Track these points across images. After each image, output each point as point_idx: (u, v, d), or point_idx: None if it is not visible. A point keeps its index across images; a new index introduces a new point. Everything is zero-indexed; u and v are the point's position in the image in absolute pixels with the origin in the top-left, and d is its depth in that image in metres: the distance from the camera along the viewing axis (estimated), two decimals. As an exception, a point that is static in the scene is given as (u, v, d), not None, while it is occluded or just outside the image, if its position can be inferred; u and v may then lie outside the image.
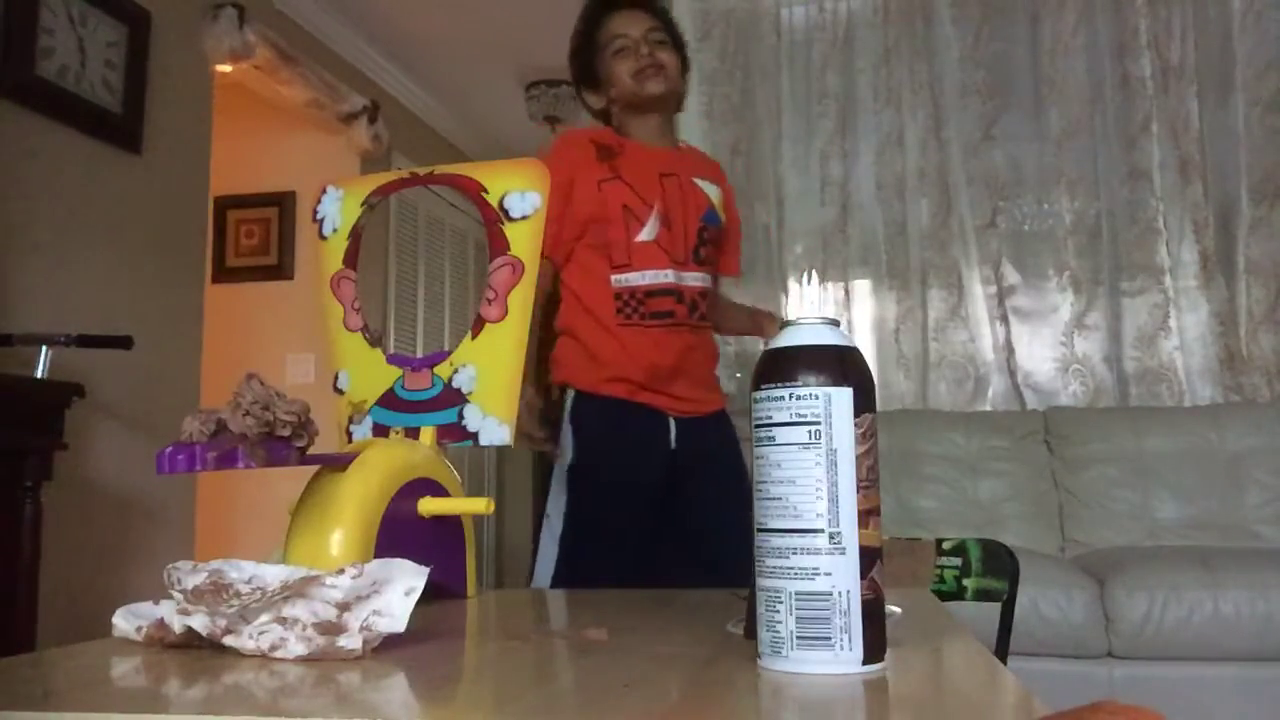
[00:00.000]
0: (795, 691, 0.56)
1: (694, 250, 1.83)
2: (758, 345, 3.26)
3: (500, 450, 5.62)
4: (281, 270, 4.29)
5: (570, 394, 1.83)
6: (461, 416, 0.99)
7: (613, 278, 1.79)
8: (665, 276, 1.79)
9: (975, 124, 3.30)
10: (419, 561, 0.69)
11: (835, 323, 0.63)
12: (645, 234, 1.79)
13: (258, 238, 4.33)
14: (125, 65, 2.89)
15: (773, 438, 0.61)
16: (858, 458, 0.60)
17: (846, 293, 3.36)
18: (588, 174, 1.79)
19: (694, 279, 1.82)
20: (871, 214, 3.36)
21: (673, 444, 1.82)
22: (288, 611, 0.64)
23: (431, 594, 0.70)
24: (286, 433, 0.78)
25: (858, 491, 0.59)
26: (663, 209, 1.80)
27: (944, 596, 1.40)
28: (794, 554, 0.59)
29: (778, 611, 0.59)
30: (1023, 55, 3.32)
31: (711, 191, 1.90)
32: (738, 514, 1.74)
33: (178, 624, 0.66)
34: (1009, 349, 3.22)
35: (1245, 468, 2.72)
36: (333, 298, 1.10)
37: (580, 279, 1.82)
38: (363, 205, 1.11)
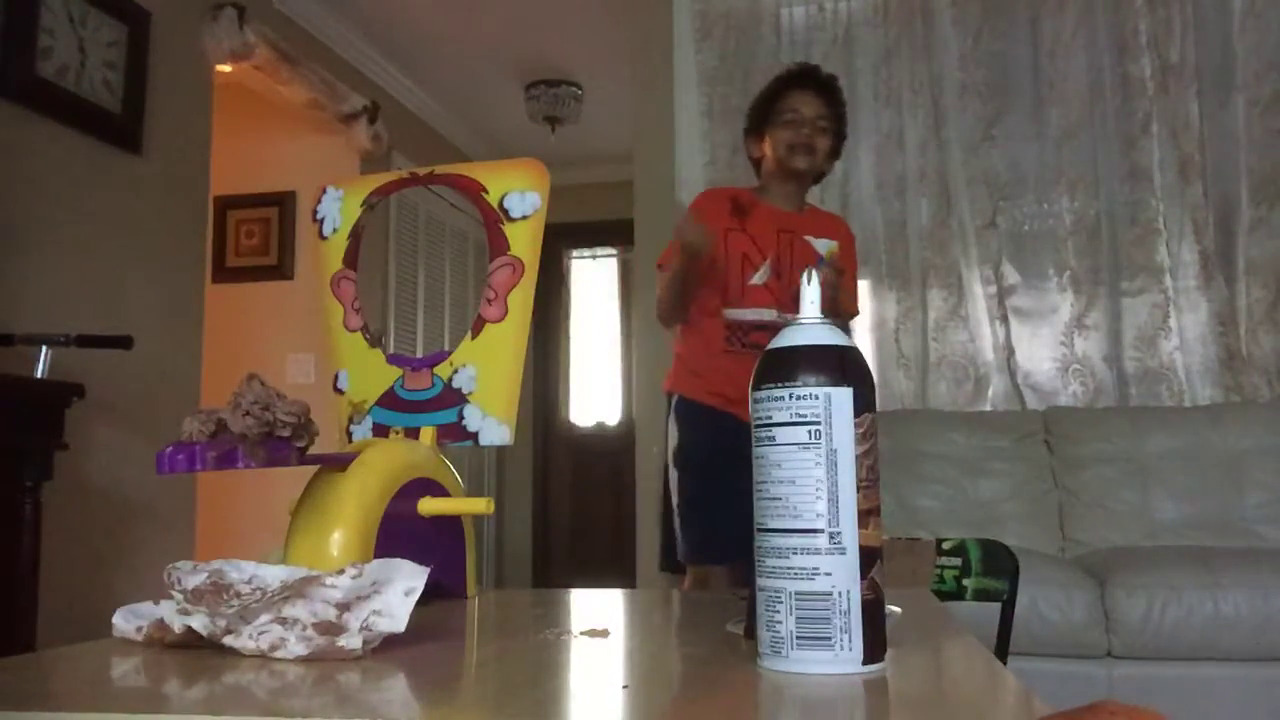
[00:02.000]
0: (795, 691, 0.56)
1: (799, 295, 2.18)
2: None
3: (500, 450, 5.63)
4: (281, 270, 4.29)
5: (675, 398, 2.22)
6: (461, 416, 0.99)
7: (725, 311, 2.15)
8: (768, 315, 2.14)
9: (975, 124, 3.30)
10: (419, 561, 0.69)
11: (835, 322, 0.63)
12: (757, 278, 2.15)
13: (258, 238, 4.33)
14: (125, 65, 2.89)
15: (773, 438, 0.61)
16: (858, 458, 0.60)
17: (846, 293, 3.36)
18: (718, 223, 2.14)
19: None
20: (871, 214, 3.36)
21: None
22: (288, 611, 0.64)
23: (431, 594, 0.70)
24: (286, 433, 0.78)
25: (858, 491, 0.59)
26: (775, 260, 2.16)
27: (944, 596, 1.40)
28: (794, 554, 0.59)
29: (778, 611, 0.59)
30: (1023, 55, 3.32)
31: (823, 246, 2.22)
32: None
33: (178, 624, 0.66)
34: (1009, 349, 3.22)
35: (1245, 468, 2.72)
36: (333, 298, 1.10)
37: (700, 315, 2.18)
38: (363, 205, 1.11)
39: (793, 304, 2.04)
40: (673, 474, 2.21)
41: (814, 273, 0.65)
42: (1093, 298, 3.21)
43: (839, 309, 2.21)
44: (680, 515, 2.16)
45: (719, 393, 2.13)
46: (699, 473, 2.16)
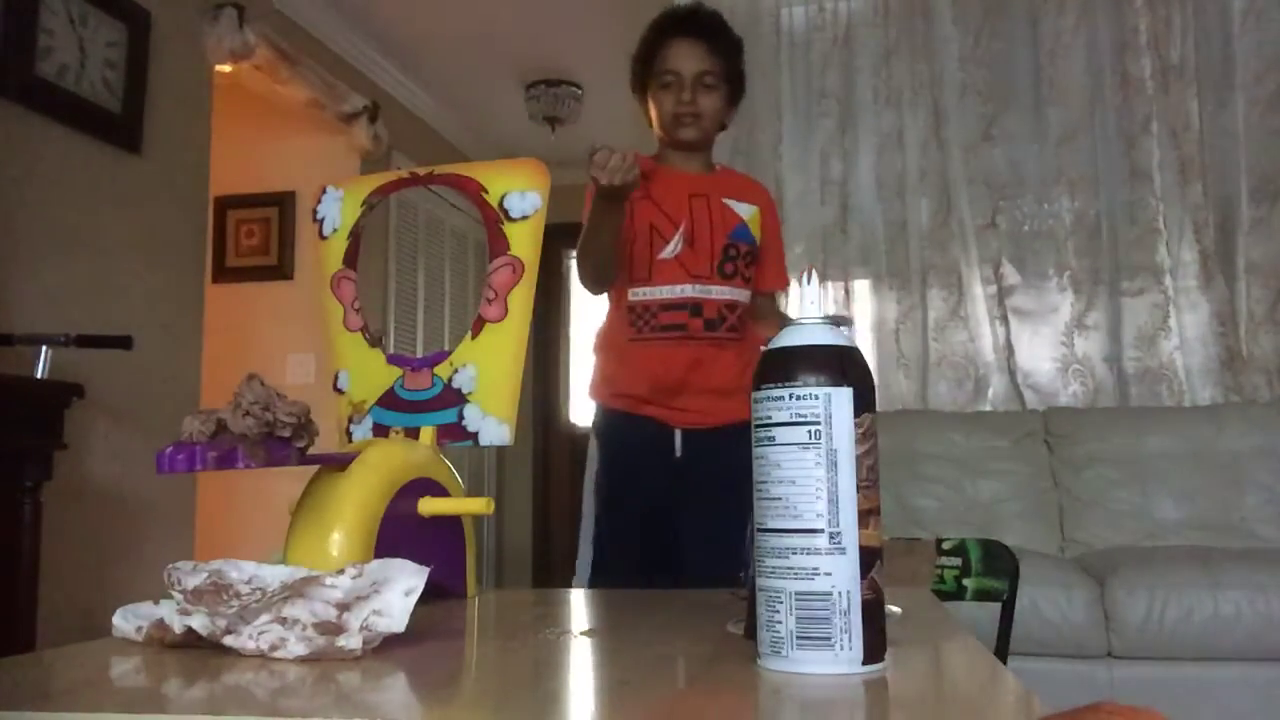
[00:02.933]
0: (795, 691, 0.56)
1: (718, 265, 1.86)
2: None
3: (500, 450, 5.63)
4: (281, 270, 4.29)
5: (595, 407, 1.97)
6: (461, 416, 0.99)
7: (630, 291, 1.86)
8: (684, 291, 1.84)
9: (975, 124, 3.30)
10: (419, 561, 0.69)
11: (837, 322, 0.63)
12: (667, 251, 1.86)
13: (258, 238, 4.33)
14: (125, 65, 2.89)
15: (773, 438, 0.61)
16: (858, 458, 0.60)
17: (846, 293, 3.36)
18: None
19: (718, 292, 1.85)
20: (871, 214, 3.37)
21: (678, 453, 1.87)
22: (288, 611, 0.64)
23: (431, 594, 0.70)
24: (287, 433, 0.78)
25: (858, 491, 0.59)
26: (688, 228, 1.87)
27: (944, 596, 1.40)
28: (794, 554, 0.59)
29: (778, 611, 0.59)
30: (1023, 55, 3.32)
31: (744, 210, 1.93)
32: (721, 525, 1.72)
33: (178, 624, 0.66)
34: (1009, 349, 3.22)
35: (1245, 468, 2.72)
36: (333, 298, 1.10)
37: (611, 304, 1.94)
38: (363, 205, 1.11)
39: (711, 274, 1.82)
40: (588, 500, 2.01)
41: (814, 272, 0.65)
42: (1093, 298, 3.21)
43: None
44: (591, 568, 1.90)
45: (627, 393, 1.88)
46: (609, 505, 1.92)
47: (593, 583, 1.87)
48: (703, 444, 1.86)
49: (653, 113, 1.94)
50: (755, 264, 1.93)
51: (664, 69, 1.90)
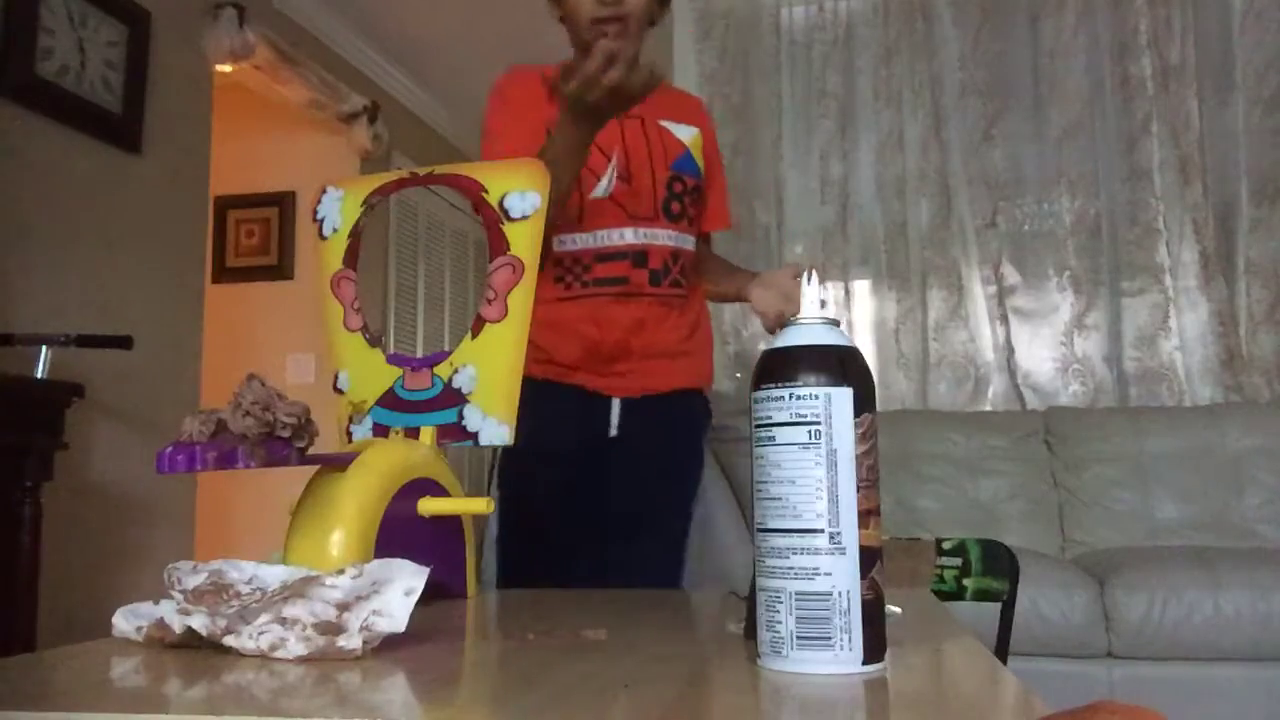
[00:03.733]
0: (795, 691, 0.56)
1: (663, 204, 1.54)
2: (758, 345, 3.26)
3: (500, 450, 5.61)
4: (281, 270, 4.29)
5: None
6: (461, 416, 0.99)
7: (556, 240, 1.50)
8: (623, 236, 1.50)
9: (975, 124, 3.31)
10: (419, 561, 0.69)
11: (836, 323, 0.63)
12: (599, 189, 1.50)
13: (258, 238, 4.33)
14: (125, 65, 2.89)
15: (773, 438, 0.61)
16: (858, 458, 0.60)
17: (846, 293, 3.36)
18: (537, 116, 1.48)
19: (665, 238, 1.53)
20: (871, 214, 3.37)
21: (614, 429, 1.55)
22: (288, 611, 0.64)
23: (431, 594, 0.70)
24: (286, 434, 0.78)
25: (858, 491, 0.59)
26: (622, 159, 1.52)
27: (944, 596, 1.40)
28: (794, 554, 0.59)
29: (778, 611, 0.59)
30: (1023, 55, 3.32)
31: (685, 134, 1.59)
32: (655, 507, 1.55)
33: (178, 624, 0.66)
34: (1009, 349, 3.22)
35: (1245, 468, 2.72)
36: (333, 298, 1.10)
37: None
38: (363, 205, 1.11)
39: (655, 215, 1.54)
40: (493, 487, 1.59)
41: (814, 272, 0.65)
42: (1093, 298, 3.21)
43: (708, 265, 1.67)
44: (496, 574, 1.55)
45: (550, 359, 1.51)
46: (516, 499, 1.55)
47: (500, 562, 1.54)
48: (645, 415, 1.55)
49: (562, 10, 1.56)
50: (699, 202, 1.61)
51: None
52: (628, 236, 1.51)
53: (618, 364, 1.53)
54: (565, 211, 1.47)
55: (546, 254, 1.50)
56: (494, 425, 0.98)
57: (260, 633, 0.63)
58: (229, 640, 0.64)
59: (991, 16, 3.33)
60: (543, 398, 1.36)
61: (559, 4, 1.58)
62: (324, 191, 1.14)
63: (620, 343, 1.52)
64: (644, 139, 1.55)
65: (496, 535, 1.55)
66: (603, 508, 1.57)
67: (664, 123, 1.58)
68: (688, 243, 1.58)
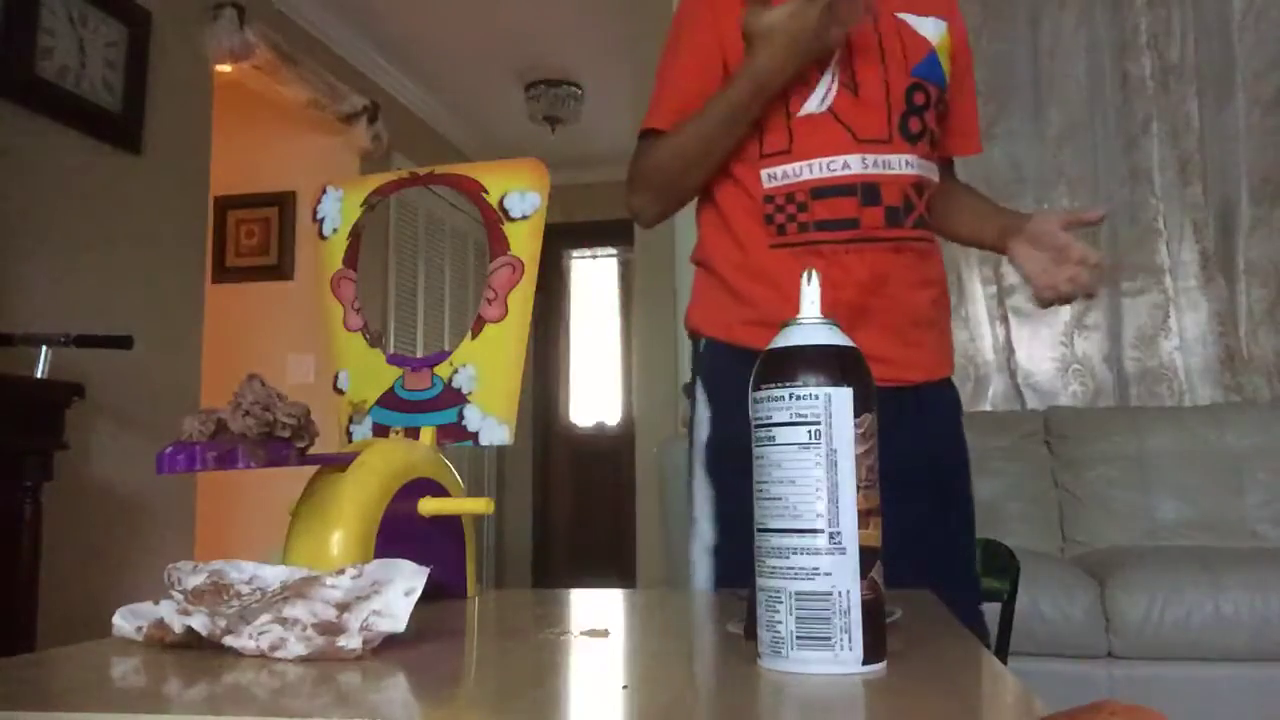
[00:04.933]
0: (795, 691, 0.56)
1: (901, 121, 1.23)
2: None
3: (500, 450, 5.62)
4: (281, 270, 4.29)
5: (702, 344, 1.31)
6: (461, 416, 0.99)
7: (764, 172, 1.22)
8: (848, 165, 1.20)
9: (975, 124, 3.31)
10: (419, 561, 0.69)
11: (836, 323, 0.63)
12: (813, 104, 1.21)
13: (258, 238, 4.33)
14: (125, 65, 2.89)
15: (773, 438, 0.61)
16: (858, 458, 0.60)
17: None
18: (731, 19, 1.21)
19: (904, 164, 1.22)
20: (871, 214, 3.37)
21: None
22: (288, 612, 0.64)
23: (431, 594, 0.70)
24: (286, 434, 0.78)
25: (858, 491, 0.59)
26: (846, 62, 1.21)
27: (944, 596, 1.40)
28: (794, 554, 0.59)
29: (778, 611, 0.59)
30: (1023, 55, 3.32)
31: (931, 30, 1.26)
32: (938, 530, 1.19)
33: (178, 624, 0.66)
34: (1009, 349, 3.22)
35: (1245, 468, 2.72)
36: (333, 298, 1.10)
37: (722, 184, 1.27)
38: (363, 205, 1.11)
39: (891, 136, 1.21)
40: (700, 489, 1.26)
41: (813, 272, 0.65)
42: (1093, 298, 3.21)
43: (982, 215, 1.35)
44: (716, 541, 1.24)
45: (763, 320, 1.19)
46: (735, 471, 1.10)
47: (718, 575, 1.23)
48: (891, 411, 1.15)
49: None
50: (945, 118, 1.29)
51: None
52: (854, 166, 1.20)
53: (855, 333, 1.16)
54: (768, 134, 1.22)
55: (741, 187, 1.24)
56: (494, 425, 0.98)
57: (260, 633, 0.63)
58: (229, 640, 0.64)
59: (991, 16, 3.33)
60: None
61: None
62: (324, 191, 1.14)
63: (856, 304, 1.19)
64: (875, 34, 1.23)
65: (712, 543, 1.24)
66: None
67: (903, 15, 1.25)
68: (932, 171, 1.27)
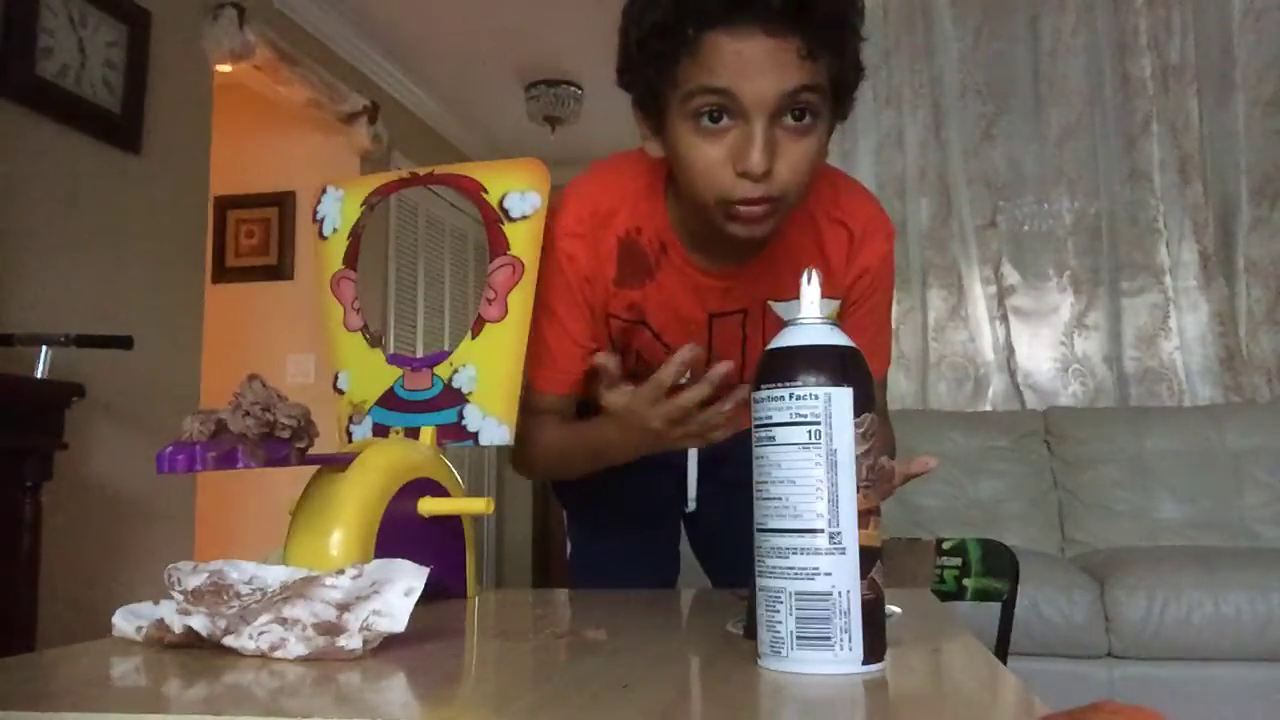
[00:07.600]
0: (795, 691, 0.56)
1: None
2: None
3: (500, 450, 5.61)
4: (281, 270, 4.29)
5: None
6: (461, 416, 0.99)
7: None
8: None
9: (975, 124, 3.30)
10: (419, 561, 0.69)
11: (835, 323, 0.63)
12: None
13: (258, 238, 4.33)
14: (125, 65, 2.89)
15: (773, 438, 0.61)
16: (858, 458, 0.60)
17: (847, 293, 3.36)
18: (600, 295, 1.08)
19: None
20: (871, 214, 3.37)
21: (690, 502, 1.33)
22: (288, 612, 0.64)
23: (431, 594, 0.70)
24: (286, 435, 0.78)
25: (858, 491, 0.59)
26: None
27: (944, 596, 1.40)
28: (794, 554, 0.59)
29: (778, 611, 0.59)
30: (1023, 55, 3.32)
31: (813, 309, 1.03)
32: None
33: (178, 624, 0.66)
34: (1009, 349, 3.22)
35: (1245, 468, 2.72)
36: (333, 298, 1.10)
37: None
38: (363, 205, 1.11)
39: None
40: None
41: (813, 272, 0.65)
42: (1093, 298, 3.21)
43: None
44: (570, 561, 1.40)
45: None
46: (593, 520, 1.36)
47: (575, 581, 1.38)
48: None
49: (670, 152, 1.00)
50: None
51: (705, 82, 0.92)
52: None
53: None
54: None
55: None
56: (494, 425, 0.98)
57: (260, 633, 0.63)
58: (229, 640, 0.64)
59: (991, 16, 3.33)
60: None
61: (656, 131, 1.02)
62: (324, 191, 1.14)
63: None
64: (737, 343, 1.09)
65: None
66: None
67: (776, 305, 1.08)
68: None
